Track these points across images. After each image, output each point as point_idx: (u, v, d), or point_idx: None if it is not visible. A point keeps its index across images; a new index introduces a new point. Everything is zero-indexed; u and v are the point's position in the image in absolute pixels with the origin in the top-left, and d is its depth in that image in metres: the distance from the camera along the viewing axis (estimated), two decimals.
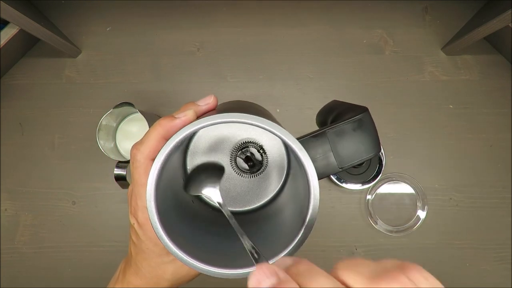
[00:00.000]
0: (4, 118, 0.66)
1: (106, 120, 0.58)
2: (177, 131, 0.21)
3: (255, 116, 0.20)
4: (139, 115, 0.60)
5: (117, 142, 0.63)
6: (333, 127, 0.24)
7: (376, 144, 0.24)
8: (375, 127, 0.25)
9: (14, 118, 0.66)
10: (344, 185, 0.60)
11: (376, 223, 0.61)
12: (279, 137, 0.21)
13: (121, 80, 0.67)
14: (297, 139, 0.22)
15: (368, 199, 0.62)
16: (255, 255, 0.20)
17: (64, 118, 0.66)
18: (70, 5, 0.69)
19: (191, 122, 0.21)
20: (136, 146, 0.23)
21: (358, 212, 0.63)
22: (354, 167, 0.60)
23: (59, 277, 0.63)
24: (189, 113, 0.23)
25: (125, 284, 0.27)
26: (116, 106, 0.57)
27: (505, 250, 0.62)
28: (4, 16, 0.50)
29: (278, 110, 0.66)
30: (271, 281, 0.12)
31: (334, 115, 0.28)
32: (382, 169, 0.60)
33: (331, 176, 0.60)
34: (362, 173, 0.61)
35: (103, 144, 0.58)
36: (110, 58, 0.68)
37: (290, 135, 0.21)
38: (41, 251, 0.63)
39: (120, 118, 0.62)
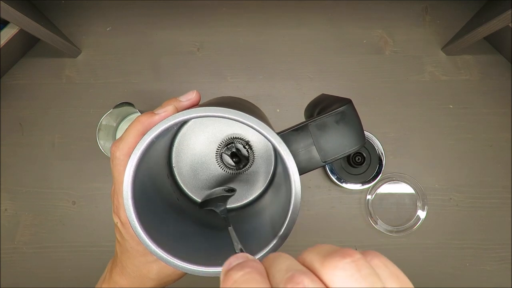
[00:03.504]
0: (4, 118, 0.66)
1: (106, 120, 0.58)
2: None
3: (233, 110, 0.20)
4: (139, 115, 0.60)
5: None
6: (315, 120, 0.23)
7: (360, 136, 0.24)
8: (359, 119, 0.24)
9: (14, 118, 0.66)
10: (344, 185, 0.60)
11: (376, 223, 0.61)
12: (258, 131, 0.20)
13: (121, 80, 0.67)
14: (278, 133, 0.21)
15: (368, 199, 0.62)
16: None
17: (64, 118, 0.66)
18: (70, 5, 0.69)
19: None
20: (115, 143, 0.23)
21: (358, 212, 0.63)
22: (353, 166, 0.60)
23: (59, 277, 0.63)
24: (169, 109, 0.23)
25: (111, 283, 0.27)
26: (116, 106, 0.57)
27: (505, 250, 0.62)
28: (4, 16, 0.50)
29: (278, 110, 0.66)
30: (239, 261, 0.14)
31: (319, 108, 0.27)
32: (382, 169, 0.60)
33: (331, 176, 0.60)
34: (362, 173, 0.61)
35: (103, 144, 0.58)
36: (110, 58, 0.68)
37: (270, 129, 0.20)
38: (41, 251, 0.63)
39: (120, 118, 0.62)
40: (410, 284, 0.13)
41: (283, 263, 0.13)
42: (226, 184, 0.30)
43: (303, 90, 0.66)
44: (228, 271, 0.13)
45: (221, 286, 0.13)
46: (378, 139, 0.61)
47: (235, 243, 0.20)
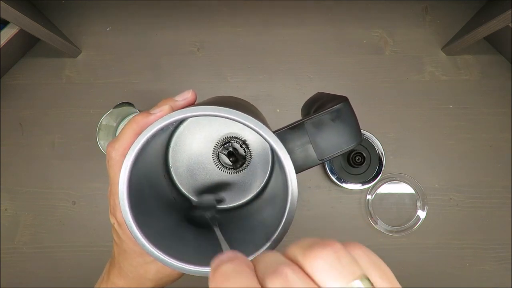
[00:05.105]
0: (4, 118, 0.66)
1: (106, 120, 0.58)
2: None
3: (228, 109, 0.20)
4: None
5: None
6: (311, 118, 0.23)
7: (357, 134, 0.23)
8: (355, 117, 0.24)
9: (14, 118, 0.66)
10: (344, 185, 0.60)
11: (376, 223, 0.61)
12: (253, 129, 0.20)
13: (121, 80, 0.67)
14: (274, 132, 0.21)
15: (368, 199, 0.62)
16: None
17: (64, 118, 0.66)
18: (70, 5, 0.69)
19: None
20: (111, 143, 0.23)
21: (358, 212, 0.63)
22: (353, 166, 0.60)
23: (59, 277, 0.63)
24: (164, 109, 0.23)
25: (109, 284, 0.26)
26: (116, 106, 0.57)
27: (505, 250, 0.62)
28: (4, 16, 0.50)
29: (278, 110, 0.66)
30: (229, 256, 0.14)
31: (316, 107, 0.27)
32: (382, 169, 0.60)
33: (331, 176, 0.60)
34: (362, 173, 0.61)
35: (103, 144, 0.58)
36: (110, 58, 0.68)
37: (265, 127, 0.20)
38: (41, 251, 0.63)
39: (120, 118, 0.62)
40: (390, 273, 0.13)
41: (269, 258, 0.14)
42: (222, 184, 0.30)
43: (303, 90, 0.66)
44: (218, 265, 0.13)
45: (210, 278, 0.13)
46: (378, 139, 0.61)
47: (223, 246, 0.20)
